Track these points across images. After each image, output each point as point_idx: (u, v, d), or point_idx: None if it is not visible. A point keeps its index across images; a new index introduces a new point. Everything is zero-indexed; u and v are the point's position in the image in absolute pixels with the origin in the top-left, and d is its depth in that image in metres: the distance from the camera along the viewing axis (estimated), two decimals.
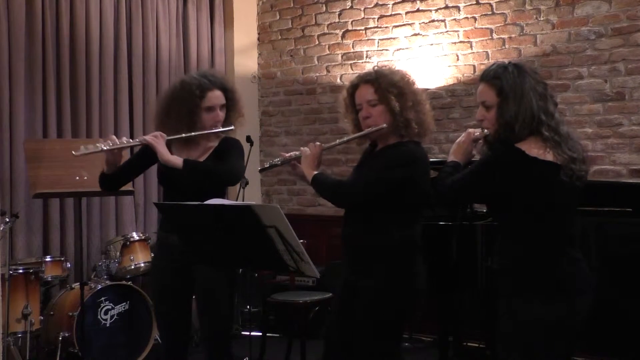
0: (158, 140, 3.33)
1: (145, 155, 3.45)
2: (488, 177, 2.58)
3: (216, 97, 3.38)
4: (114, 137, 3.43)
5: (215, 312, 3.38)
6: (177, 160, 3.30)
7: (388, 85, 2.93)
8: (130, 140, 3.49)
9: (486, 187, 2.60)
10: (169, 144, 3.40)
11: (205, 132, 3.38)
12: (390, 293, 2.90)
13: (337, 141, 3.12)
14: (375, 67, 3.06)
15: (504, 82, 2.56)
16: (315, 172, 2.99)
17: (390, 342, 2.99)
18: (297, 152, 3.07)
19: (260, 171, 3.15)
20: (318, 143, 3.05)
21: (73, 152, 3.41)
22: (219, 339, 3.41)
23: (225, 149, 3.42)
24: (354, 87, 3.02)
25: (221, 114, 3.40)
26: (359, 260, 2.98)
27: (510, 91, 2.54)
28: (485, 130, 2.64)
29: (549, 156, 2.52)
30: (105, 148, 3.33)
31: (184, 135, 3.35)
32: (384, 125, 2.93)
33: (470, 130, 2.77)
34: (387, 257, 2.92)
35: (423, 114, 2.98)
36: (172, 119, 3.39)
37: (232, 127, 3.44)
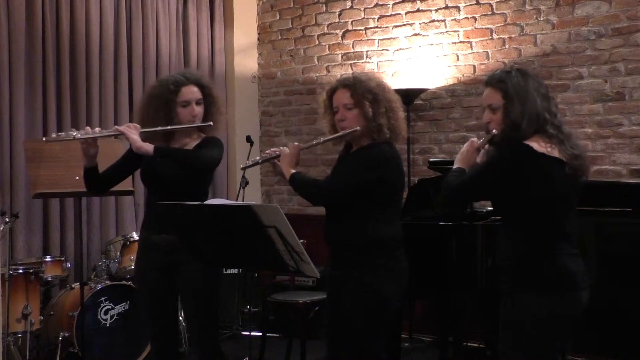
0: (130, 130, 3.35)
1: (134, 157, 3.43)
2: (497, 174, 2.66)
3: (191, 92, 3.41)
4: (88, 127, 3.47)
5: (202, 313, 3.39)
6: (148, 147, 3.31)
7: (364, 91, 3.08)
8: (104, 130, 3.49)
9: (495, 183, 2.68)
10: (150, 140, 3.41)
11: (181, 126, 3.39)
12: (375, 282, 2.99)
13: (314, 142, 3.26)
14: (354, 73, 3.26)
15: (508, 84, 2.67)
16: (293, 171, 3.12)
17: (375, 332, 3.05)
18: (276, 151, 3.20)
19: (243, 169, 3.27)
20: (296, 143, 3.19)
21: (44, 139, 3.52)
22: (209, 339, 3.41)
23: (204, 145, 3.42)
24: (332, 90, 3.17)
25: (197, 109, 3.41)
26: (342, 255, 3.09)
27: (515, 93, 2.65)
28: (494, 130, 2.72)
29: (555, 152, 2.63)
30: (78, 136, 3.35)
31: (159, 128, 3.36)
32: (357, 128, 3.07)
33: (473, 139, 2.87)
34: (368, 251, 3.01)
35: (395, 120, 3.12)
36: (150, 115, 3.41)
37: (210, 124, 3.43)
